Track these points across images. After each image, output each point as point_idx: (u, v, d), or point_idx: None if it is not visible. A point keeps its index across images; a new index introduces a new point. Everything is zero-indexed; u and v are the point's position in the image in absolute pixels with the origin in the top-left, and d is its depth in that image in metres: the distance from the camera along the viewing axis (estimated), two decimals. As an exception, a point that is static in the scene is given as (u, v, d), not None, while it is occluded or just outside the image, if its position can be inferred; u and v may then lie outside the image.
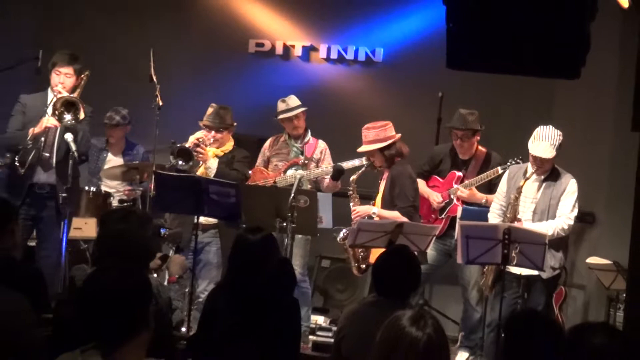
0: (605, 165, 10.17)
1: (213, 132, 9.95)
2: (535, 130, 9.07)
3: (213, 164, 9.79)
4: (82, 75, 9.50)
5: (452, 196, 9.74)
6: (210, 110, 10.00)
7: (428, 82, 10.26)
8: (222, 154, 10.01)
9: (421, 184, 9.91)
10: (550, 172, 9.11)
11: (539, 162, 9.02)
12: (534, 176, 9.10)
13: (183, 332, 8.49)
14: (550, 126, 9.04)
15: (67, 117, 9.11)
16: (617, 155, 9.68)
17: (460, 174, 9.81)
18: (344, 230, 9.43)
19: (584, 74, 6.71)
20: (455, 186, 9.77)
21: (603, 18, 6.83)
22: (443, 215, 9.85)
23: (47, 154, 9.36)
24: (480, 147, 9.74)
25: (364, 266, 9.50)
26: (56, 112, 9.13)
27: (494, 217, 9.25)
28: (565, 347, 3.94)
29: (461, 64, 7.10)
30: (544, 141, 9.01)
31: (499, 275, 8.87)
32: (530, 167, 9.12)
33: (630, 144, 6.97)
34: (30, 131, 9.30)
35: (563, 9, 6.75)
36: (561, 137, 9.00)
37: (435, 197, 9.93)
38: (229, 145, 10.09)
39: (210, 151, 9.89)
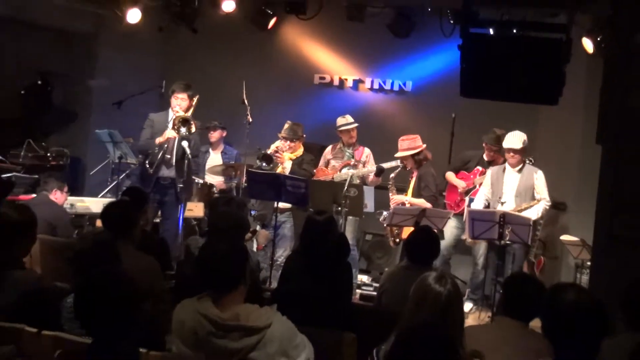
0: (575, 166, 10.16)
1: (288, 142, 10.06)
2: (508, 134, 9.32)
3: (288, 165, 9.91)
4: (194, 99, 9.62)
5: (476, 185, 9.83)
6: (286, 125, 10.10)
7: (445, 106, 10.27)
8: (295, 157, 10.07)
9: (451, 175, 10.17)
10: (522, 166, 9.29)
11: (511, 152, 9.23)
12: (512, 169, 9.31)
13: (267, 286, 8.52)
14: (517, 131, 9.27)
15: (183, 130, 9.24)
16: (584, 160, 9.66)
17: (482, 169, 9.91)
18: (385, 213, 9.58)
19: (560, 100, 6.85)
20: (479, 177, 9.88)
21: (574, 59, 6.94)
22: (466, 197, 9.94)
23: (169, 156, 9.47)
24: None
25: (397, 240, 9.68)
26: (175, 127, 9.28)
27: (479, 203, 9.47)
28: (545, 300, 3.96)
29: (470, 93, 7.22)
30: (513, 138, 9.21)
31: (493, 245, 9.07)
32: (508, 167, 9.34)
33: (594, 151, 7.00)
34: (157, 140, 9.46)
35: (546, 55, 6.86)
36: (525, 138, 9.25)
37: (461, 184, 10.07)
38: (300, 151, 10.16)
39: (286, 156, 10.00)
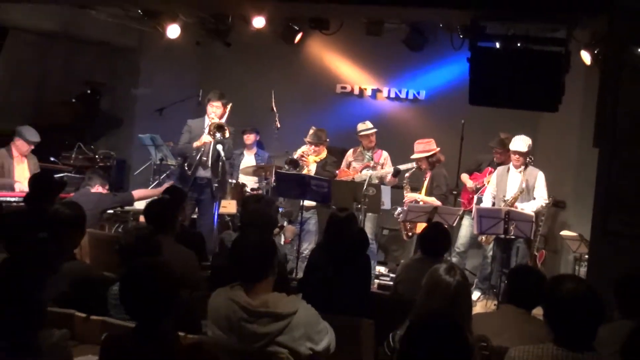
0: (573, 168, 10.11)
1: (313, 147, 10.09)
2: (514, 137, 9.30)
3: (313, 168, 9.93)
4: (227, 106, 9.67)
5: (485, 184, 9.80)
6: (311, 131, 10.12)
7: (455, 113, 10.21)
8: (319, 160, 10.09)
9: (465, 177, 10.24)
10: (525, 167, 9.25)
11: (517, 155, 9.21)
12: (516, 170, 9.30)
13: (293, 277, 8.53)
14: (524, 135, 9.27)
15: (218, 135, 9.32)
16: (582, 162, 9.60)
17: (491, 169, 9.88)
18: (399, 209, 9.60)
19: (560, 107, 6.83)
20: (487, 177, 9.86)
21: (573, 70, 6.93)
22: (476, 196, 9.94)
23: (205, 158, 9.54)
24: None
25: (410, 234, 9.69)
26: (211, 133, 9.34)
27: (487, 201, 9.47)
28: (547, 289, 3.96)
29: (478, 101, 7.23)
30: (520, 142, 9.20)
31: (500, 240, 9.04)
32: (512, 167, 9.32)
33: (591, 154, 6.97)
34: (194, 144, 9.54)
35: (547, 66, 6.85)
36: (530, 142, 9.28)
37: (469, 183, 10.09)
38: (324, 154, 10.17)
39: (310, 159, 10.03)
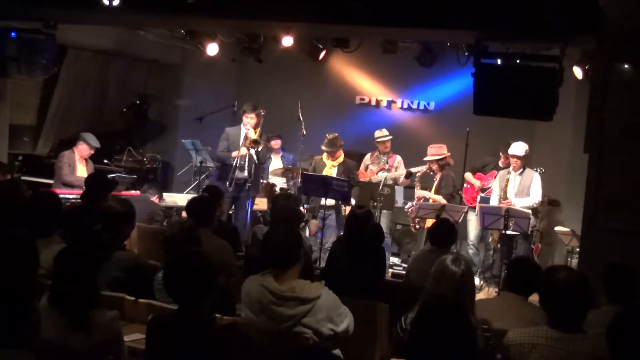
0: (566, 171, 10.05)
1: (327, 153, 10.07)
2: (513, 143, 9.29)
3: (333, 172, 9.82)
4: (260, 117, 9.71)
5: (492, 186, 9.72)
6: (326, 140, 10.02)
7: (461, 122, 10.14)
8: (337, 164, 9.99)
9: (469, 175, 10.16)
10: (523, 170, 9.22)
11: (515, 159, 9.18)
12: (515, 172, 9.25)
13: (317, 266, 8.53)
14: (521, 142, 9.24)
15: (252, 151, 9.42)
16: (574, 166, 9.53)
17: (497, 172, 9.78)
18: (409, 203, 9.62)
19: (554, 117, 6.79)
20: (493, 179, 9.78)
21: (566, 84, 6.89)
22: (483, 194, 9.91)
23: (242, 162, 9.58)
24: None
25: (418, 227, 9.69)
26: (247, 146, 9.40)
27: (494, 201, 9.35)
28: (542, 278, 3.96)
29: (482, 112, 7.20)
30: (517, 147, 9.20)
31: (502, 235, 8.98)
32: (512, 170, 9.27)
33: (582, 159, 6.93)
34: (232, 154, 9.66)
35: (542, 80, 6.81)
36: (527, 148, 9.24)
37: (476, 183, 10.03)
38: (340, 157, 10.06)
39: (329, 163, 9.95)
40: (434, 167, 9.76)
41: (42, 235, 4.83)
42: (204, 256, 3.84)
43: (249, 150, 9.48)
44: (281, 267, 4.37)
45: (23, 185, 6.81)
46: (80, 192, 7.67)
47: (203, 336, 3.60)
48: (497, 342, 4.01)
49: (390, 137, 10.28)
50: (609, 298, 4.68)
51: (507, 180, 9.30)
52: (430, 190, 9.79)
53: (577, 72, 9.29)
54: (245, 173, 9.61)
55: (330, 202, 9.57)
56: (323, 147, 10.06)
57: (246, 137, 9.60)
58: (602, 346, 3.36)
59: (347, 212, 9.70)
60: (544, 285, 3.87)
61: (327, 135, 10.07)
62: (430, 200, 9.54)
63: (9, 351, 2.81)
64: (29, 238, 4.06)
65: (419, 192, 9.83)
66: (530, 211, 8.72)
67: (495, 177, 9.76)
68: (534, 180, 9.19)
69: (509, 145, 9.59)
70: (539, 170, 9.42)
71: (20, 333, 2.89)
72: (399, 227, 11.28)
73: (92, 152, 9.63)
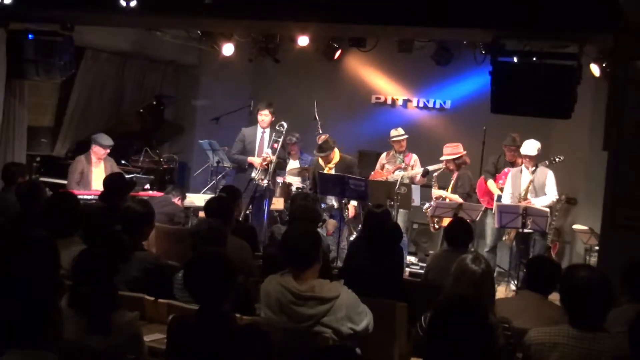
0: (583, 169, 9.99)
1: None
2: (525, 141, 9.21)
3: (332, 172, 9.75)
4: (274, 113, 9.81)
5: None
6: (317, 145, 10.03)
7: (477, 121, 10.14)
8: (334, 165, 9.91)
9: (492, 184, 9.92)
10: (536, 168, 9.14)
11: (527, 158, 9.14)
12: (528, 170, 9.17)
13: (335, 265, 8.51)
14: (533, 140, 9.16)
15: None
16: (592, 163, 9.48)
17: (508, 169, 9.64)
18: (427, 204, 9.59)
19: (572, 115, 6.78)
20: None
21: (583, 82, 6.87)
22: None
23: (262, 177, 9.52)
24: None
25: (437, 227, 9.64)
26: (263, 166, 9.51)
27: (507, 200, 9.28)
28: (564, 277, 3.96)
29: (499, 110, 7.20)
30: (529, 146, 9.11)
31: (519, 234, 8.93)
32: (524, 168, 9.23)
33: (599, 156, 6.94)
34: (248, 160, 9.77)
35: (560, 78, 6.79)
36: (539, 146, 9.14)
37: (497, 192, 9.79)
38: (336, 157, 9.94)
39: (327, 167, 9.87)
40: (451, 166, 9.72)
41: (61, 236, 4.86)
42: (224, 256, 3.86)
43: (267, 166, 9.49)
44: (300, 267, 4.37)
45: (43, 187, 6.87)
46: (98, 192, 7.72)
47: (224, 336, 3.61)
48: (517, 341, 4.00)
49: (406, 136, 10.25)
50: (630, 296, 4.63)
51: (520, 178, 9.24)
52: (447, 190, 9.75)
53: (595, 69, 9.24)
54: (263, 174, 9.52)
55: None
56: (315, 153, 10.03)
57: (265, 159, 9.54)
58: (623, 344, 3.34)
59: (351, 214, 9.77)
60: (565, 284, 3.87)
61: (317, 139, 10.01)
62: (447, 200, 9.51)
63: (33, 351, 2.83)
64: (50, 239, 4.08)
65: (435, 192, 9.78)
66: (548, 209, 8.67)
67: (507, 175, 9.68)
68: (548, 177, 9.10)
69: (512, 139, 9.55)
70: (557, 159, 9.32)
71: (44, 334, 2.91)
72: (415, 226, 11.26)
73: (108, 151, 9.62)
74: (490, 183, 9.91)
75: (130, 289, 4.85)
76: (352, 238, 9.42)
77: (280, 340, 4.10)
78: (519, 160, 9.51)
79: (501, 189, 9.66)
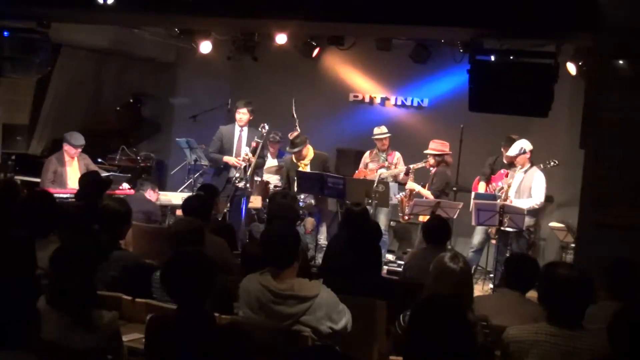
0: (560, 167, 10.01)
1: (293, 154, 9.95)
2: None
3: (307, 169, 9.78)
4: (252, 112, 9.77)
5: (504, 185, 9.40)
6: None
7: (455, 119, 10.15)
8: (309, 162, 9.88)
9: (482, 185, 10.02)
10: (528, 168, 9.09)
11: (508, 158, 9.22)
12: (520, 170, 9.14)
13: (313, 263, 8.50)
14: (524, 139, 9.18)
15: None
16: (569, 162, 9.50)
17: (505, 171, 9.63)
18: (399, 195, 9.75)
19: (550, 113, 6.79)
20: (504, 179, 9.55)
21: (560, 80, 6.89)
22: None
23: (240, 175, 9.48)
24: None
25: (407, 217, 9.74)
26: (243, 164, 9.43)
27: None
28: (542, 274, 3.97)
29: (477, 108, 7.19)
30: (513, 146, 9.17)
31: (498, 231, 8.94)
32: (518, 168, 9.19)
33: (576, 154, 6.96)
34: (225, 159, 9.71)
35: (537, 76, 6.81)
36: (523, 146, 9.07)
37: (482, 189, 9.88)
38: (310, 154, 9.91)
39: (302, 164, 9.88)
40: (432, 161, 9.73)
41: (38, 235, 4.81)
42: (203, 255, 3.84)
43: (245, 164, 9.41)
44: (280, 265, 4.36)
45: (19, 186, 6.79)
46: (74, 191, 7.65)
47: (203, 335, 3.59)
48: (495, 339, 4.01)
49: (388, 134, 10.25)
50: (610, 293, 4.65)
51: (512, 178, 9.23)
52: (425, 186, 9.76)
53: (571, 68, 9.30)
54: (240, 172, 9.45)
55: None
56: (288, 150, 10.00)
57: (244, 159, 9.46)
58: (602, 341, 3.36)
59: (307, 230, 9.82)
60: (544, 282, 3.89)
61: (288, 136, 9.97)
62: (418, 192, 9.57)
63: (12, 352, 2.80)
64: (27, 239, 4.04)
65: (409, 185, 9.79)
66: (524, 207, 8.65)
67: (507, 177, 9.61)
68: (535, 179, 8.99)
69: (509, 140, 9.54)
70: (552, 164, 9.32)
71: (22, 334, 2.88)
72: (393, 224, 11.25)
73: (79, 150, 9.48)
74: (481, 185, 9.94)
75: (109, 289, 4.82)
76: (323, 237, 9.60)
77: (259, 339, 4.08)
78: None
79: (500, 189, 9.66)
